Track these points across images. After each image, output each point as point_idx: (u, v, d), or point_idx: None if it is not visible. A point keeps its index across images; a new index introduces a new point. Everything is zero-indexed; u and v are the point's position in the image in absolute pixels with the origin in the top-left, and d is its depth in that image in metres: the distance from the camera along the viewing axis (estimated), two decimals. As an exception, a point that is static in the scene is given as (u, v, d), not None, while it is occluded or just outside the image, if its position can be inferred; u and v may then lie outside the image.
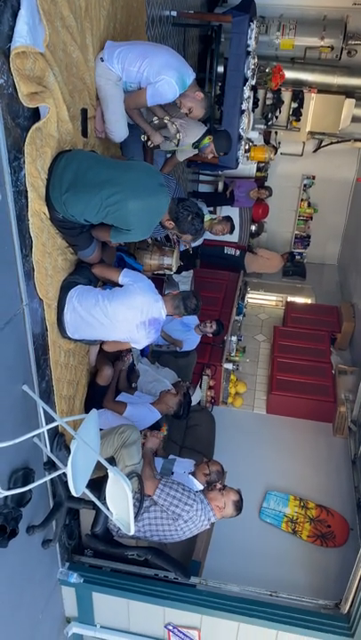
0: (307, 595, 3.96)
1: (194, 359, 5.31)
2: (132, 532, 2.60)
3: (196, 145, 4.07)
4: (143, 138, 3.67)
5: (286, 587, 3.98)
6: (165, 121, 3.68)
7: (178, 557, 3.75)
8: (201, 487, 3.55)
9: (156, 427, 3.87)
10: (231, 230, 5.54)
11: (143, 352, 4.60)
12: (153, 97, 3.30)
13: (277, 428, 6.12)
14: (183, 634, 3.84)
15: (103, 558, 3.92)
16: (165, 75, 3.19)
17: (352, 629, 3.60)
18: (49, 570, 3.65)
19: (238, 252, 7.65)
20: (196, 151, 4.22)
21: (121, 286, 3.20)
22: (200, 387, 5.65)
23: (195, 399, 5.36)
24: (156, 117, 3.67)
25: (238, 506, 3.35)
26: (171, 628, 3.84)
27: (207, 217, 5.36)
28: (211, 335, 5.26)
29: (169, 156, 4.52)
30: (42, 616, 3.57)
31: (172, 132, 3.75)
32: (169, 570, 3.64)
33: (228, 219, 5.58)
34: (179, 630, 3.83)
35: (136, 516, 2.86)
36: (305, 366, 6.63)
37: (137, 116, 3.55)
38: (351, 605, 3.68)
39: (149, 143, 3.68)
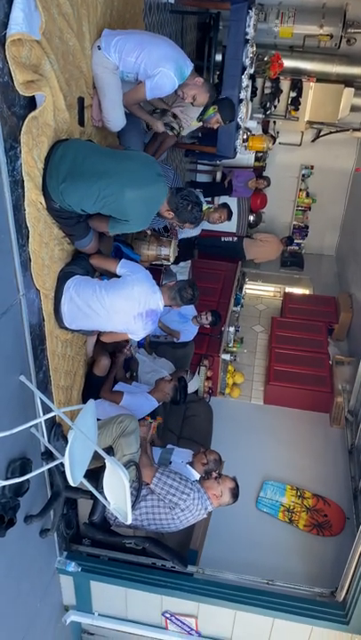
0: (303, 583, 3.99)
1: (191, 350, 5.32)
2: (129, 522, 2.62)
3: (201, 117, 4.04)
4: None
5: (283, 575, 4.02)
6: (170, 116, 3.67)
7: (175, 547, 3.77)
8: (198, 477, 3.57)
9: (153, 416, 3.88)
10: (229, 217, 5.50)
11: (139, 343, 4.61)
12: (152, 90, 3.28)
13: (275, 418, 6.14)
14: (181, 621, 3.88)
15: (101, 547, 3.94)
16: (163, 67, 3.17)
17: (347, 617, 3.64)
18: (47, 559, 3.67)
19: (236, 239, 7.63)
20: (198, 124, 4.18)
21: (118, 277, 3.19)
22: (198, 373, 5.64)
23: (193, 386, 5.35)
24: (157, 109, 3.66)
25: (235, 493, 3.37)
26: (168, 615, 3.88)
27: (205, 207, 5.33)
28: (208, 326, 5.26)
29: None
30: (40, 604, 3.60)
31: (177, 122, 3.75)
32: (166, 558, 3.67)
33: (225, 205, 5.54)
34: (176, 618, 3.87)
35: (133, 505, 2.87)
36: (302, 357, 6.64)
37: (137, 110, 3.53)
38: (347, 593, 3.72)
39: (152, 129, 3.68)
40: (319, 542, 4.85)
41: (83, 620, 4.09)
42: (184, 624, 3.89)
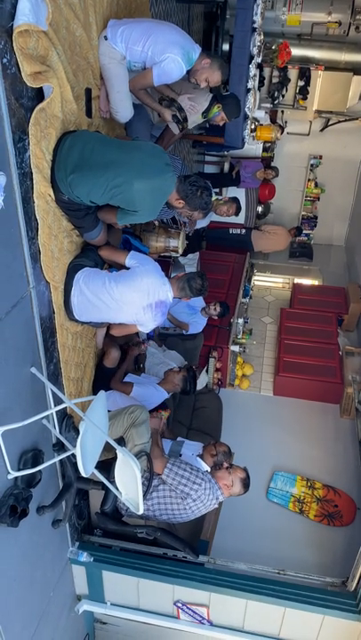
0: (314, 573, 4.00)
1: (201, 342, 5.32)
2: (140, 512, 2.63)
3: (206, 115, 4.00)
4: (154, 119, 3.62)
5: (294, 565, 4.03)
6: (177, 103, 3.61)
7: (186, 537, 3.79)
8: (208, 468, 3.58)
9: (163, 407, 3.89)
10: (237, 212, 5.48)
11: (148, 335, 4.61)
12: (159, 77, 3.24)
13: (284, 409, 6.14)
14: (192, 611, 3.90)
15: (112, 538, 3.97)
16: (170, 52, 3.14)
17: (359, 606, 3.64)
18: (59, 549, 3.70)
19: (244, 231, 7.60)
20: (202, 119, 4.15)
21: (127, 269, 3.19)
22: (207, 371, 5.65)
23: (201, 383, 5.36)
24: (166, 97, 3.62)
25: (246, 483, 3.38)
26: (180, 605, 3.90)
27: (213, 198, 5.29)
28: (216, 317, 5.25)
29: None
30: (53, 594, 3.64)
31: (185, 109, 3.70)
32: (178, 548, 3.69)
33: (235, 199, 5.52)
34: (188, 607, 3.89)
35: (145, 495, 2.89)
36: (312, 348, 6.62)
37: (144, 97, 3.49)
38: (358, 583, 3.72)
39: (157, 120, 3.63)
40: (330, 532, 4.86)
41: (95, 609, 4.13)
42: (196, 613, 3.91)
